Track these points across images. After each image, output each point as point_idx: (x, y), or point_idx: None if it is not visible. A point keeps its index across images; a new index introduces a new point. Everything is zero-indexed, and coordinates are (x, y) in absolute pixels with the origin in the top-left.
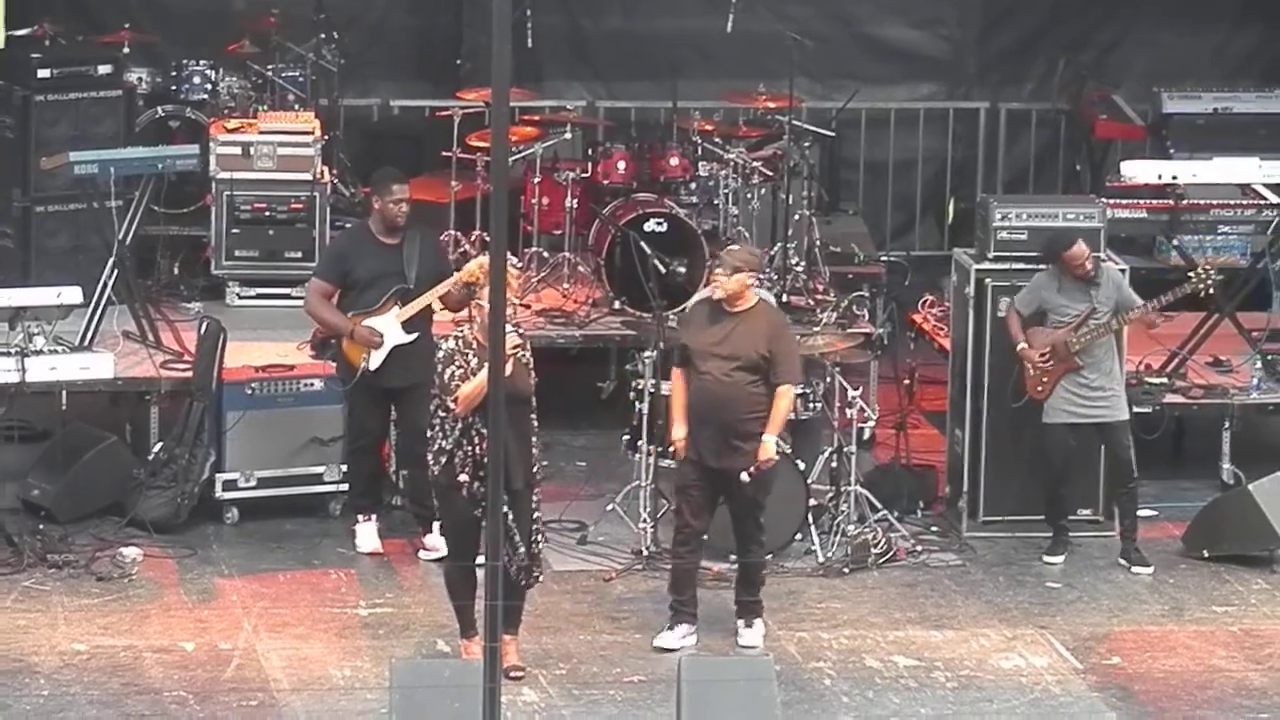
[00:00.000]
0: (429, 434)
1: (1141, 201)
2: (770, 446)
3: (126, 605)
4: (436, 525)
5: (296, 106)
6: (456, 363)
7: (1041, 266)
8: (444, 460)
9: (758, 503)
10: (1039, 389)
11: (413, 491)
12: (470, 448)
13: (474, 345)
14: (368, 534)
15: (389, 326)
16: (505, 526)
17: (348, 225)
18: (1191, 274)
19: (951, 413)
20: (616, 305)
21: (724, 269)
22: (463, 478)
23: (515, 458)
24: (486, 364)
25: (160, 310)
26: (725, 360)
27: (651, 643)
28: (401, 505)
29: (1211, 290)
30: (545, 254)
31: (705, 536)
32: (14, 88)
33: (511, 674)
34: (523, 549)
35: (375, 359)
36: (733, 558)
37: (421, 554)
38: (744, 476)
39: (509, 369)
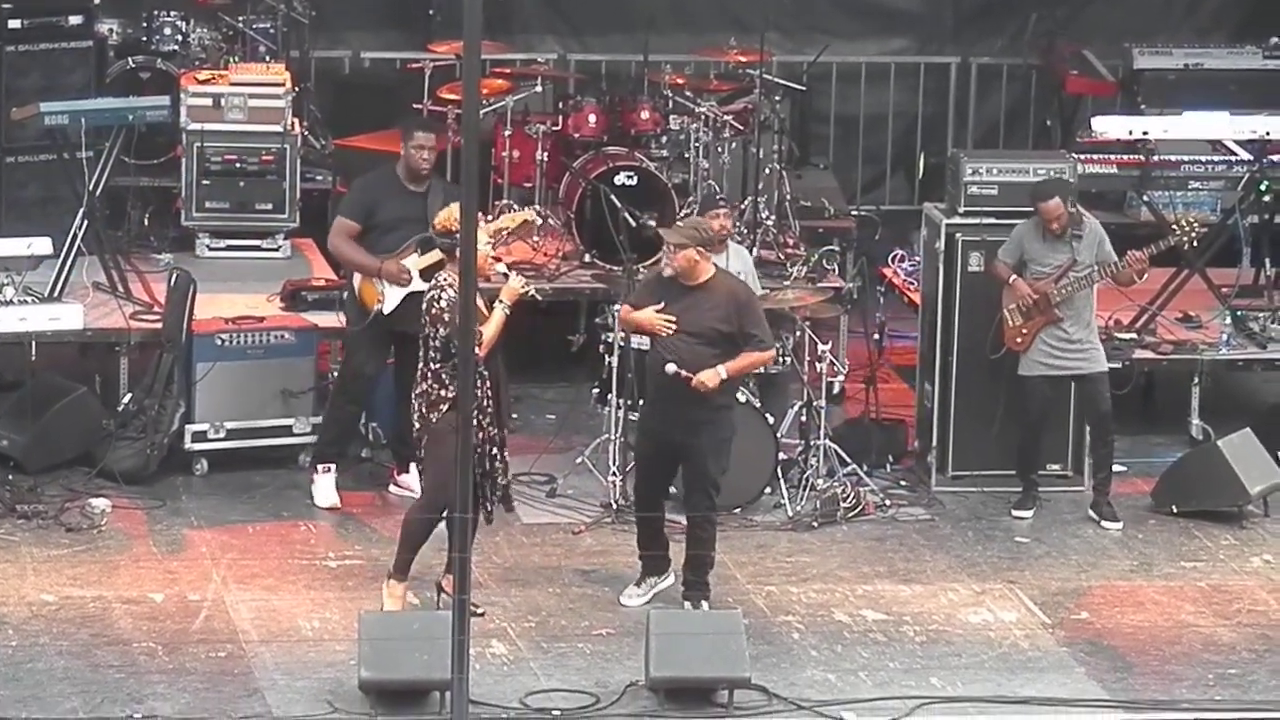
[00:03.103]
0: (423, 384)
1: (1112, 157)
2: (717, 377)
3: (95, 556)
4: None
5: (267, 58)
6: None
7: (1013, 221)
8: (444, 408)
9: (709, 475)
10: (1018, 340)
11: (400, 430)
12: (475, 392)
13: None
14: (326, 487)
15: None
16: (493, 470)
17: (319, 176)
18: (1175, 226)
19: (921, 367)
20: (587, 258)
21: (669, 246)
22: None
23: (503, 400)
24: (496, 304)
25: (130, 261)
26: (681, 334)
27: (619, 598)
28: (370, 457)
29: (1195, 243)
30: (516, 207)
31: (665, 499)
32: None
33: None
34: (500, 491)
35: (390, 301)
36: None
37: (393, 489)
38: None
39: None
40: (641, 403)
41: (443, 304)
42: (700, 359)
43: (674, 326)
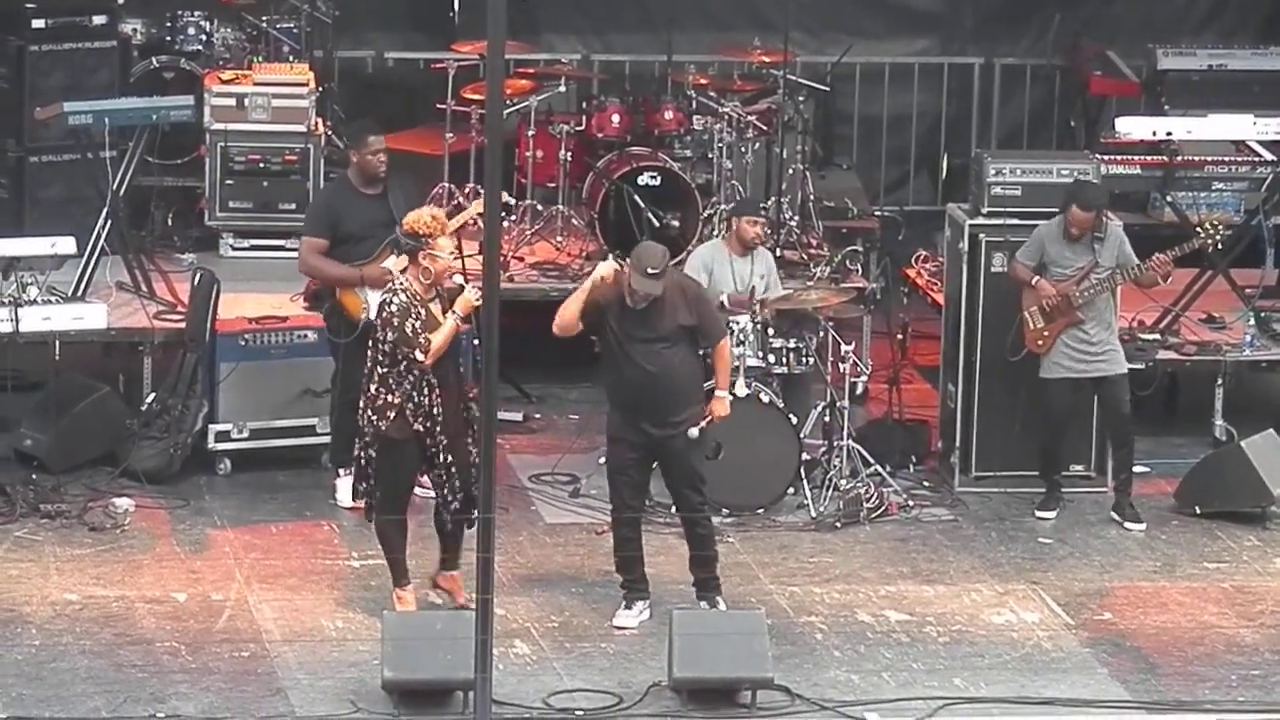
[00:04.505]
0: (371, 389)
1: (1136, 158)
2: (726, 402)
3: (119, 556)
4: None
5: (291, 58)
6: (413, 315)
7: (1036, 222)
8: (393, 415)
9: (696, 471)
10: (1039, 343)
11: None
12: (421, 399)
13: (419, 297)
14: (349, 488)
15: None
16: (448, 470)
17: (330, 178)
18: (1199, 229)
19: (944, 367)
20: (610, 258)
21: (644, 276)
22: (419, 428)
23: (459, 403)
24: (449, 314)
25: (154, 261)
26: (651, 343)
27: (611, 621)
28: None
29: (1220, 245)
30: (539, 207)
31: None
32: (9, 38)
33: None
34: (461, 492)
35: (375, 308)
36: (726, 511)
37: (416, 490)
38: (692, 432)
39: (463, 321)
40: (610, 411)
41: (393, 308)
42: (667, 362)
43: None
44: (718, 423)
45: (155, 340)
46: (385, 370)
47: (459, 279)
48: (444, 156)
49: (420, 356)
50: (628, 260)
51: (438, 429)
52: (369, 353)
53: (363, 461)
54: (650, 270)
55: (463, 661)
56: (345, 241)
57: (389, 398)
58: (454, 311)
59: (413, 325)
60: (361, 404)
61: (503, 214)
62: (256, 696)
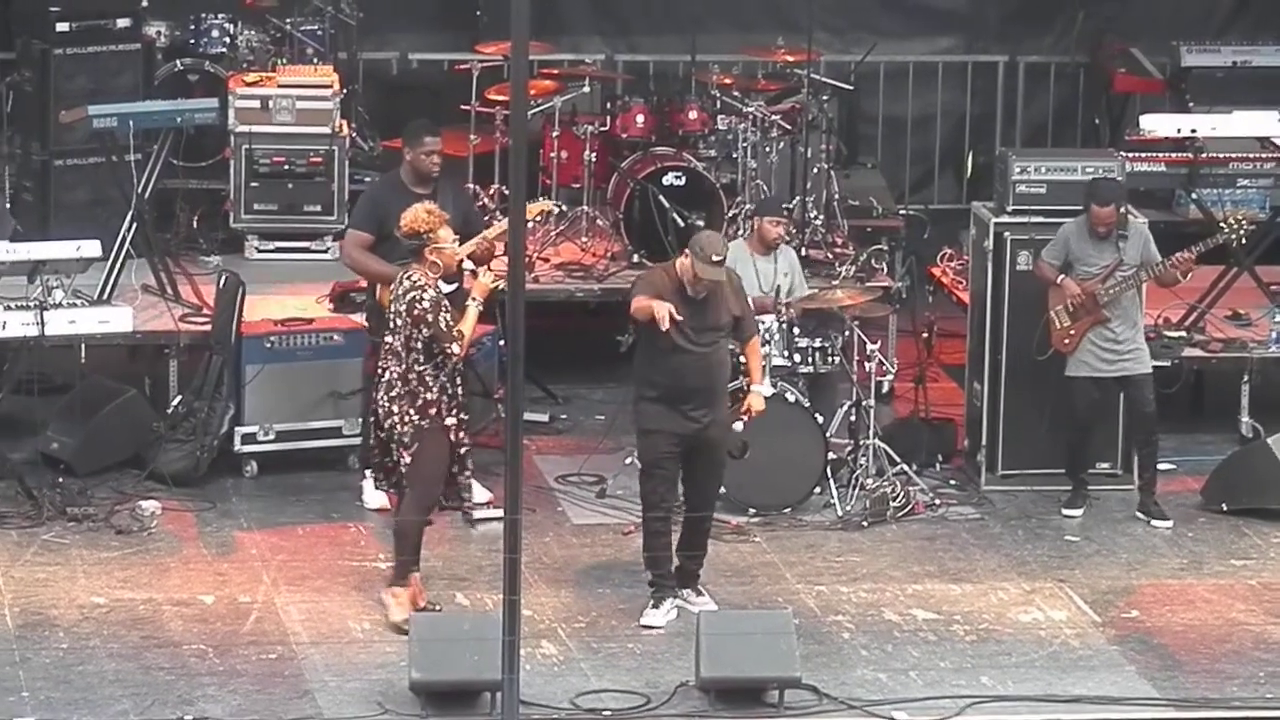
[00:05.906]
0: (403, 388)
1: (1160, 155)
2: (762, 397)
3: (146, 558)
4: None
5: (315, 60)
6: (445, 308)
7: (1061, 220)
8: (432, 411)
9: (724, 467)
10: (1065, 341)
11: None
12: (455, 389)
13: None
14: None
15: None
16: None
17: (367, 178)
18: (1223, 225)
19: (970, 366)
20: (635, 259)
21: (710, 264)
22: (450, 422)
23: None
24: (469, 302)
25: (179, 264)
26: (706, 332)
27: (640, 620)
28: None
29: (1244, 241)
30: (564, 207)
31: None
32: (33, 41)
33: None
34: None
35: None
36: (752, 511)
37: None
38: (736, 426)
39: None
40: (647, 405)
41: (425, 304)
42: (720, 351)
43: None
44: (754, 417)
45: (181, 343)
46: (422, 367)
47: (468, 265)
48: (468, 158)
49: (456, 349)
50: (686, 251)
51: (465, 418)
52: (399, 355)
53: (390, 463)
54: (715, 258)
55: (490, 662)
56: (389, 239)
57: (428, 395)
58: (473, 298)
59: (446, 319)
60: (392, 408)
61: (553, 219)
62: (284, 698)
